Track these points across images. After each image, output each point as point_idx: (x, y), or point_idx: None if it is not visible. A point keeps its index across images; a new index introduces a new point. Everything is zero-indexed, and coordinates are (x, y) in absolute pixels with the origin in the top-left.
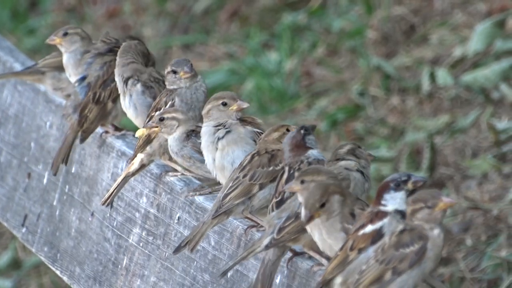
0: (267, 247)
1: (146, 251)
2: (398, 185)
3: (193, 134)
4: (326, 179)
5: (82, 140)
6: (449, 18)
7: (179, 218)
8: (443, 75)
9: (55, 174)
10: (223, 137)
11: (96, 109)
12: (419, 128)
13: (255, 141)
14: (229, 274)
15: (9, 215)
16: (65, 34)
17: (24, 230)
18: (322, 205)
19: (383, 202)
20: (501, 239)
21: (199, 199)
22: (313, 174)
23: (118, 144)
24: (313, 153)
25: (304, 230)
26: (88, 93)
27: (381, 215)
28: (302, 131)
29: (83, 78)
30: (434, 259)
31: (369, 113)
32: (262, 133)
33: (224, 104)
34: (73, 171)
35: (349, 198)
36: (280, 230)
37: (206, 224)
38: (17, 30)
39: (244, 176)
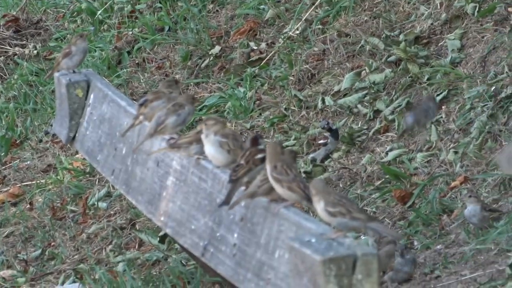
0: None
1: (175, 189)
2: (261, 137)
3: None
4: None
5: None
6: (332, 70)
7: (192, 172)
8: (328, 100)
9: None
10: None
11: None
12: (316, 127)
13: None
14: (217, 199)
15: (105, 169)
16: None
17: (112, 177)
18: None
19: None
20: (358, 184)
21: (203, 162)
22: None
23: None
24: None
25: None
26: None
27: (262, 150)
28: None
29: None
30: None
31: (291, 119)
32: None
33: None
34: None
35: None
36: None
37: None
38: (110, 76)
39: None
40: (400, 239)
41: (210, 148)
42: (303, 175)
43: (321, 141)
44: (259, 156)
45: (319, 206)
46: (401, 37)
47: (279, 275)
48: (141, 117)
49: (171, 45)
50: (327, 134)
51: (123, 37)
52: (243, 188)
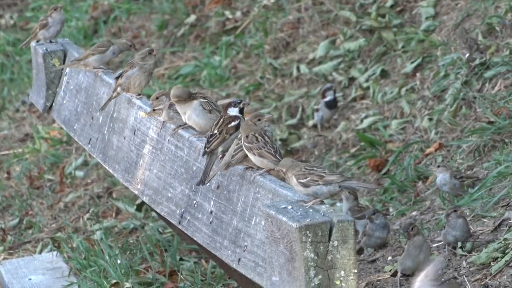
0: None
1: (152, 157)
2: (235, 105)
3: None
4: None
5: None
6: (307, 38)
7: (169, 140)
8: (303, 68)
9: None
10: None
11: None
12: (291, 94)
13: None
14: (194, 167)
15: (82, 138)
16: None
17: (89, 146)
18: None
19: (229, 112)
20: (333, 151)
21: (180, 130)
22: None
23: (138, 102)
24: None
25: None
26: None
27: (236, 117)
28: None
29: None
30: None
31: (266, 87)
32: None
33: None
34: (114, 115)
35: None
36: (233, 155)
37: (219, 168)
38: (86, 45)
39: None
40: (375, 189)
41: (192, 113)
42: (279, 142)
43: (316, 107)
44: (233, 124)
45: (293, 182)
46: (374, 6)
47: (255, 242)
48: (118, 89)
49: (147, 15)
50: (321, 101)
51: (99, 7)
52: (219, 156)
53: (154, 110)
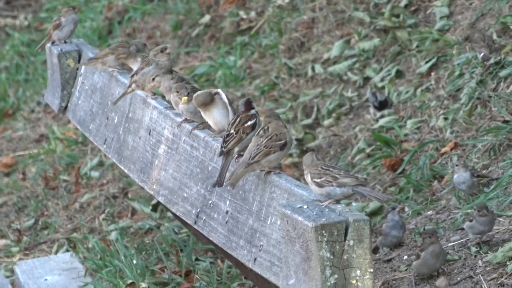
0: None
1: (167, 157)
2: (253, 101)
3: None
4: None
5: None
6: (322, 38)
7: (184, 140)
8: (318, 68)
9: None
10: None
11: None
12: (306, 94)
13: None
14: (209, 167)
15: (97, 138)
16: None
17: (105, 146)
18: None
19: (251, 110)
20: (348, 150)
21: (195, 131)
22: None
23: (153, 102)
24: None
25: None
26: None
27: (252, 116)
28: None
29: None
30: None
31: (281, 87)
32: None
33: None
34: (130, 116)
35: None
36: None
37: (240, 169)
38: (101, 45)
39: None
40: (385, 201)
41: (218, 112)
42: (295, 142)
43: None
44: (250, 123)
45: (308, 179)
46: (389, 6)
47: (271, 241)
48: (133, 85)
49: (161, 15)
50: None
51: (114, 7)
52: (235, 156)
53: (188, 93)
